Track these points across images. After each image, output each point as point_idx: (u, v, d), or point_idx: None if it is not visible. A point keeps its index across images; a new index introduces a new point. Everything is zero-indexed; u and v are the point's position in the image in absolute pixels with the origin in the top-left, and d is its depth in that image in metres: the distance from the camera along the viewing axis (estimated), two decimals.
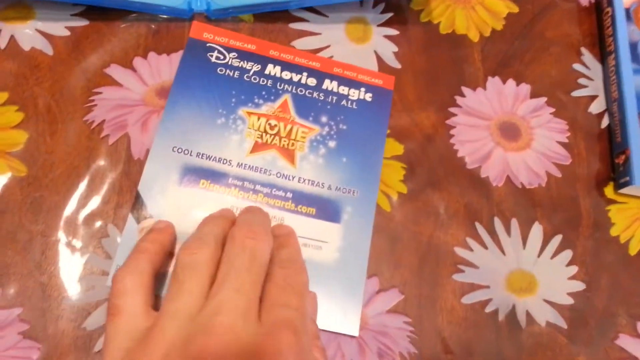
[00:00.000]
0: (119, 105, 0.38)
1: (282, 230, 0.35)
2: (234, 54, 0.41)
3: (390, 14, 0.46)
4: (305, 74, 0.41)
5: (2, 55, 0.38)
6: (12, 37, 0.39)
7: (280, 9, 0.43)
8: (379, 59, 0.44)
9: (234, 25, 0.43)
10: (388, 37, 0.45)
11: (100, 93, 0.38)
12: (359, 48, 0.44)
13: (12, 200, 0.35)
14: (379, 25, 0.45)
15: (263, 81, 0.40)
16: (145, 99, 0.39)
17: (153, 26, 0.41)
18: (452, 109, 0.43)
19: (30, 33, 0.39)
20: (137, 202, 0.35)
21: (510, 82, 0.45)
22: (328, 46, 0.43)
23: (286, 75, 0.41)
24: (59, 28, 0.40)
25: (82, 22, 0.40)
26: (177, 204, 0.35)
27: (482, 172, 0.42)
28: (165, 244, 0.32)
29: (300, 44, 0.43)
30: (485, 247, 0.40)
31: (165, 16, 0.42)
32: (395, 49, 0.44)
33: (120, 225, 0.35)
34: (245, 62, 0.41)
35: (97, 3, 0.39)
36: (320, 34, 0.44)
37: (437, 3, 0.47)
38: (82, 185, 0.35)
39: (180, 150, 0.37)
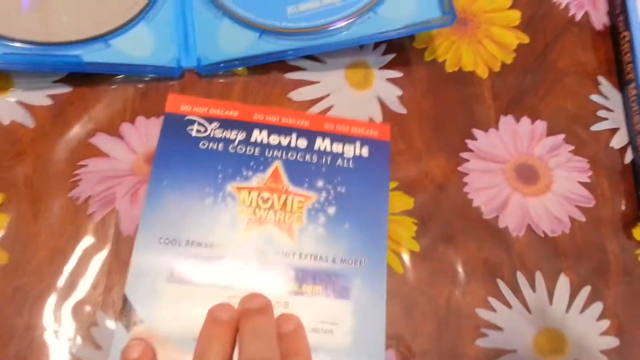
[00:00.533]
0: (106, 177, 0.36)
1: (289, 326, 0.32)
2: (215, 124, 0.38)
3: (392, 55, 0.43)
4: (294, 135, 0.38)
5: None
6: None
7: (275, 60, 0.40)
8: (383, 105, 0.41)
9: (227, 81, 0.40)
10: (391, 80, 0.42)
11: (85, 166, 0.36)
12: (361, 95, 0.41)
13: None
14: (380, 68, 0.42)
15: (250, 150, 0.37)
16: (134, 168, 0.36)
17: (140, 86, 0.39)
18: (464, 154, 0.40)
19: (9, 105, 0.37)
20: (125, 307, 0.32)
21: (525, 120, 0.42)
22: (327, 95, 0.41)
23: (274, 139, 0.38)
24: (41, 97, 0.37)
25: (65, 89, 0.38)
26: (170, 303, 0.32)
27: (500, 222, 0.39)
28: None
29: (297, 95, 0.41)
30: (509, 306, 0.36)
31: (153, 76, 0.39)
32: (400, 93, 0.42)
33: (109, 311, 0.32)
34: (229, 131, 0.38)
35: (80, 70, 0.37)
36: (318, 82, 0.41)
37: (442, 40, 0.44)
38: (68, 269, 0.33)
39: (167, 242, 0.34)
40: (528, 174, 0.40)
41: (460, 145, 0.41)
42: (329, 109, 0.40)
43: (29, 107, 0.37)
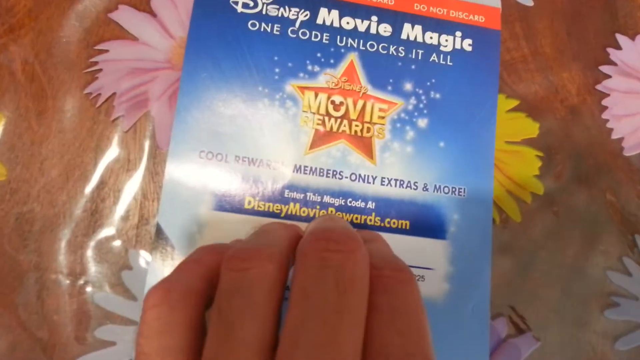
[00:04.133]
0: (135, 69, 0.26)
1: (364, 234, 0.24)
2: None
3: None
4: (375, 18, 0.28)
5: None
6: None
7: None
8: None
9: None
10: None
11: (106, 51, 0.26)
12: None
13: None
14: None
15: (316, 36, 0.27)
16: (172, 59, 0.26)
17: None
18: (604, 68, 0.30)
19: None
20: (158, 240, 0.24)
21: None
22: None
23: (348, 23, 0.28)
24: None
25: None
26: (215, 237, 0.24)
27: None
28: None
29: None
30: None
31: None
32: None
33: (147, 247, 0.24)
34: (287, 9, 0.27)
35: None
36: None
37: None
38: (88, 193, 0.24)
39: (210, 156, 0.25)
40: None
41: (600, 55, 0.31)
42: None
43: None
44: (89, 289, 0.24)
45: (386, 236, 0.25)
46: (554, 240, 0.28)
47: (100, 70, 0.25)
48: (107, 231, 0.24)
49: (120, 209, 0.24)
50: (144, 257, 0.24)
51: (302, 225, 0.25)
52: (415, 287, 0.19)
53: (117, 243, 0.24)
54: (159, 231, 0.24)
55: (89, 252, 0.24)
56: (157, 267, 0.23)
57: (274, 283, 0.17)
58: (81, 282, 0.24)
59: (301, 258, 0.18)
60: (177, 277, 0.18)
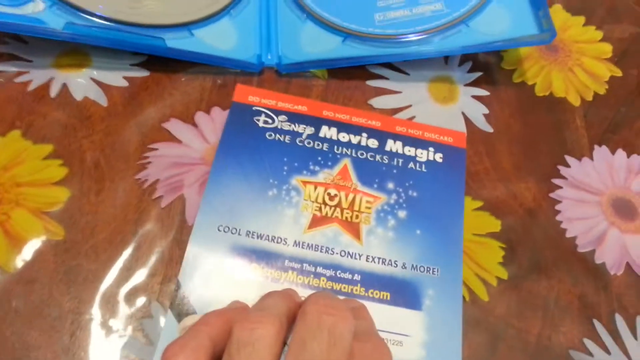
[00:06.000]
0: (176, 163, 0.33)
1: (351, 302, 0.29)
2: (283, 116, 0.36)
3: (478, 73, 0.41)
4: (364, 135, 0.36)
5: (52, 105, 0.34)
6: (64, 85, 0.35)
7: (357, 64, 0.38)
8: (468, 121, 0.38)
9: (307, 82, 0.38)
10: (477, 97, 0.40)
11: (156, 150, 0.34)
12: (445, 109, 0.39)
13: (44, 268, 0.29)
14: (466, 85, 0.40)
15: (318, 145, 0.35)
16: (204, 157, 0.34)
17: (219, 81, 0.37)
18: (556, 181, 0.37)
19: (84, 82, 0.36)
20: (177, 295, 0.29)
21: (620, 153, 0.39)
22: (409, 106, 0.38)
23: (344, 137, 0.36)
24: (117, 78, 0.36)
25: (141, 73, 0.37)
26: (226, 294, 0.29)
27: (596, 258, 0.34)
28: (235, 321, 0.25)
29: (378, 102, 0.38)
30: (608, 352, 0.32)
31: (232, 69, 0.38)
32: (486, 111, 0.39)
33: (165, 303, 0.29)
34: (297, 125, 0.36)
35: (161, 53, 0.35)
36: (400, 92, 0.39)
37: (531, 63, 0.42)
38: (126, 254, 0.30)
39: (227, 230, 0.31)
40: (626, 210, 0.37)
41: (552, 171, 0.37)
42: (410, 119, 0.38)
43: (104, 86, 0.36)
44: (115, 333, 0.28)
45: (369, 304, 0.30)
46: (519, 319, 0.32)
47: (150, 162, 0.33)
48: (136, 286, 0.29)
49: (149, 268, 0.30)
50: (163, 309, 0.29)
51: (298, 288, 0.30)
52: (383, 343, 0.24)
53: (143, 294, 0.29)
54: (178, 288, 0.29)
55: (120, 302, 0.29)
56: (173, 318, 0.28)
57: (275, 340, 0.22)
58: (109, 325, 0.28)
59: (302, 316, 0.23)
60: (190, 336, 0.23)
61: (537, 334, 0.32)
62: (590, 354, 0.31)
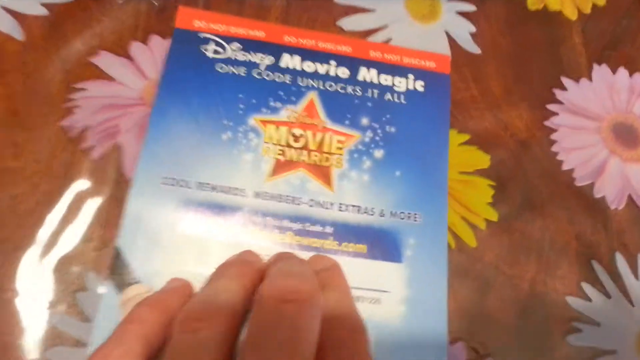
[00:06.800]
0: (109, 105, 0.28)
1: (323, 262, 0.25)
2: (236, 44, 0.30)
3: None
4: (333, 62, 0.31)
5: None
6: None
7: None
8: (452, 42, 0.33)
9: (263, 1, 0.32)
10: (462, 14, 0.34)
11: (84, 90, 0.28)
12: (425, 28, 0.34)
13: None
14: (449, 0, 0.35)
15: (279, 77, 0.30)
16: (144, 97, 0.29)
17: (156, 3, 0.31)
18: (551, 106, 0.33)
19: None
20: (116, 263, 0.25)
21: (622, 72, 0.35)
22: (385, 26, 0.33)
23: (309, 66, 0.31)
24: (34, 5, 0.30)
25: None
26: (175, 259, 0.25)
27: (595, 191, 0.31)
28: (174, 312, 0.21)
29: (348, 23, 0.33)
30: (608, 296, 0.29)
31: None
32: (473, 29, 0.34)
33: (103, 273, 0.25)
34: (253, 53, 0.30)
35: None
36: (374, 10, 0.33)
37: None
38: (53, 217, 0.26)
39: (173, 182, 0.27)
40: (628, 135, 0.33)
41: (546, 95, 0.33)
42: (386, 42, 0.33)
43: (18, 16, 0.30)
44: (43, 309, 0.24)
45: (343, 260, 0.26)
46: (510, 265, 0.29)
47: (77, 106, 0.28)
48: (68, 253, 0.25)
49: (82, 232, 0.26)
50: (100, 279, 0.25)
51: (261, 251, 0.26)
52: (366, 342, 0.21)
53: (76, 264, 0.25)
54: (117, 255, 0.25)
55: (48, 273, 0.25)
56: (113, 290, 0.24)
57: (223, 342, 0.19)
58: (36, 302, 0.24)
59: (258, 305, 0.19)
60: (116, 340, 0.19)
61: (530, 280, 0.28)
62: (589, 299, 0.28)
